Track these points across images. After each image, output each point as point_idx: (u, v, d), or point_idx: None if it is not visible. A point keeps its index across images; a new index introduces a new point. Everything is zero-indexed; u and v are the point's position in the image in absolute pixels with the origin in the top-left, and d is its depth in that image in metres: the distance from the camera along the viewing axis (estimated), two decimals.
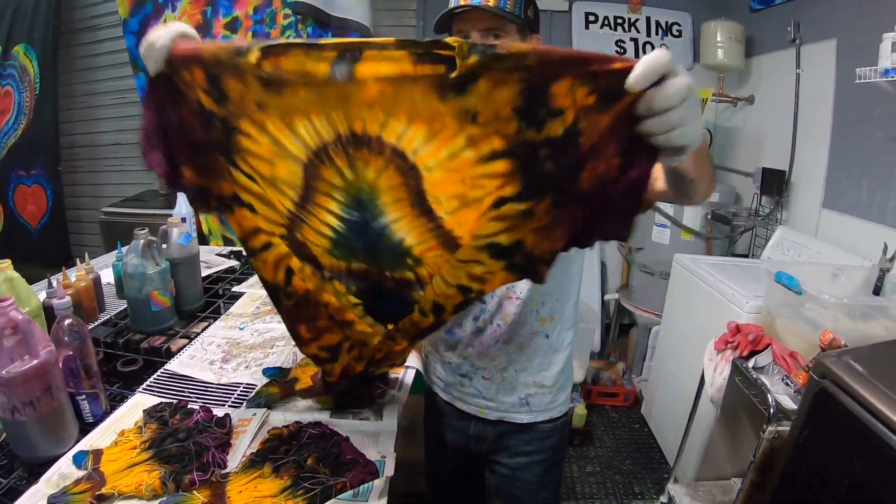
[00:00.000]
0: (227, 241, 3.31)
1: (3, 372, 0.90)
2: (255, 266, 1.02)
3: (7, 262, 1.21)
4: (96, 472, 0.94)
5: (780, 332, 1.91)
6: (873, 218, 2.29)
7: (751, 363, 1.85)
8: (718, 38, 3.11)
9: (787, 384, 1.74)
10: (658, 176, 0.89)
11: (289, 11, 3.18)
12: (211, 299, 1.79)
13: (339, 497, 0.89)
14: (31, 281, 1.31)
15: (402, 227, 0.87)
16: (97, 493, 0.89)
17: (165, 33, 0.82)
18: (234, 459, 1.00)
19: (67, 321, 1.04)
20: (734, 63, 3.17)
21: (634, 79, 0.62)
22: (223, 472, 0.96)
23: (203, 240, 3.05)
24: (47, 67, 3.60)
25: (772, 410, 1.70)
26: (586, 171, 0.72)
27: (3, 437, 1.03)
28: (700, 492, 2.29)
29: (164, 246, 1.56)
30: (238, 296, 1.84)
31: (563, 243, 0.82)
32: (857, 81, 2.00)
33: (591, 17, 3.61)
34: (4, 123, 3.70)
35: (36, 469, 0.97)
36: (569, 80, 0.66)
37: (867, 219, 2.33)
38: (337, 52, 0.71)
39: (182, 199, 1.88)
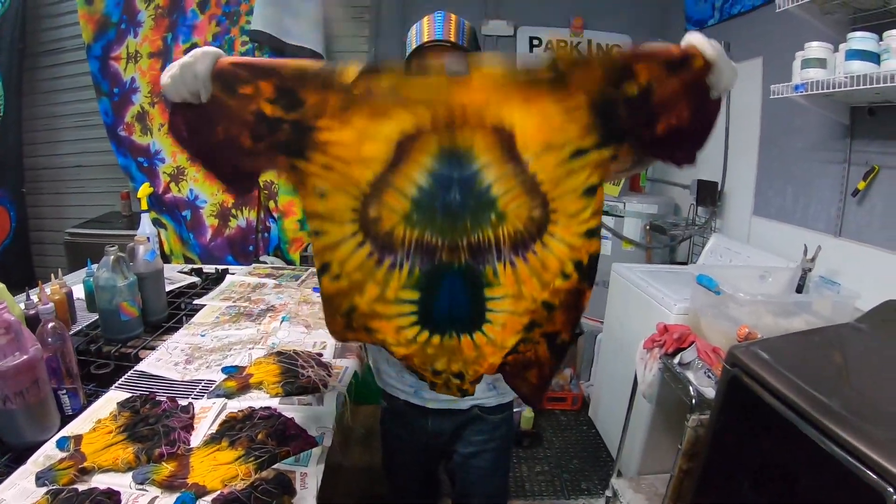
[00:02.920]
0: (188, 260, 3.51)
1: None
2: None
3: None
4: (78, 453, 1.14)
5: (704, 331, 2.13)
6: (797, 222, 2.58)
7: (676, 359, 2.08)
8: None
9: (709, 377, 1.95)
10: None
11: (246, 39, 3.43)
12: (174, 311, 2.00)
13: (283, 462, 1.12)
14: None
15: (492, 173, 1.03)
16: (79, 467, 1.09)
17: (204, 56, 0.97)
18: (197, 439, 1.22)
19: (51, 324, 1.26)
20: None
21: (711, 53, 0.98)
22: (187, 447, 1.17)
23: (165, 259, 3.26)
24: (12, 90, 3.75)
25: (693, 401, 1.92)
26: (661, 122, 1.02)
27: None
28: (643, 485, 2.51)
29: (131, 263, 1.77)
30: (199, 308, 2.06)
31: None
32: (772, 97, 2.27)
33: (535, 41, 3.93)
34: None
35: (22, 454, 1.16)
36: (645, 65, 0.97)
37: (792, 223, 2.61)
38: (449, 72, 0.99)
39: (145, 220, 2.08)
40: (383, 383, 1.55)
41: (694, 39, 0.99)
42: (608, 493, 2.61)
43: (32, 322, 1.34)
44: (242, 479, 1.06)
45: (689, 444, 1.96)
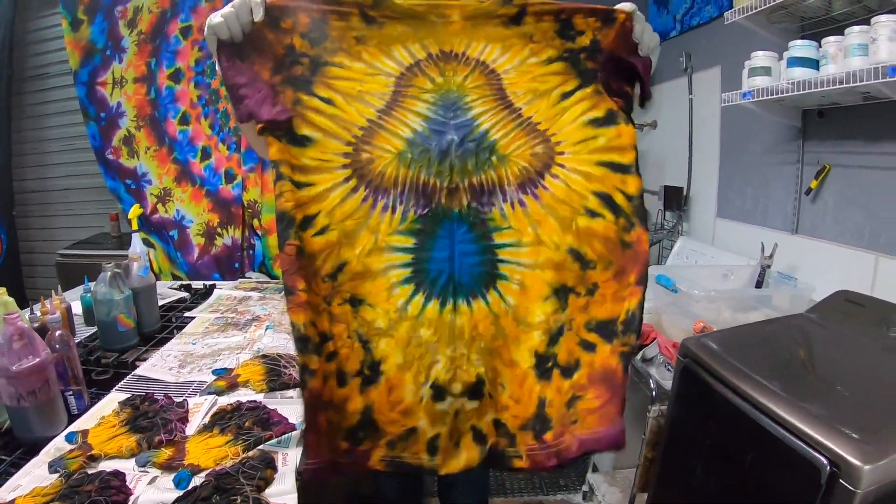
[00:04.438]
0: (176, 279, 3.68)
1: (14, 367, 1.30)
2: (277, 190, 1.09)
3: (2, 290, 1.61)
4: (85, 444, 1.33)
5: (666, 327, 2.32)
6: (757, 222, 2.77)
7: (639, 355, 2.25)
8: None
9: (668, 370, 2.12)
10: None
11: None
12: (166, 324, 2.20)
13: (267, 444, 1.31)
14: None
15: (488, 120, 1.15)
16: (88, 455, 1.28)
17: None
18: (191, 429, 1.42)
19: (58, 332, 1.46)
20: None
21: (629, 7, 1.15)
22: (183, 435, 1.37)
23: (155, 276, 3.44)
24: (1, 115, 3.92)
25: (654, 392, 2.08)
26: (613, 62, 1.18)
27: (6, 425, 1.41)
28: (618, 478, 2.68)
29: (126, 279, 1.96)
30: (189, 320, 2.26)
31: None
32: (723, 105, 2.47)
33: None
34: None
35: (33, 448, 1.34)
36: (581, 15, 1.16)
37: (752, 223, 2.80)
38: None
39: (136, 239, 2.27)
40: None
41: (619, 4, 1.18)
42: (584, 487, 2.78)
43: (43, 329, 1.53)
44: (231, 459, 1.26)
45: (652, 434, 2.10)
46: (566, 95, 1.17)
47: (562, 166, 1.15)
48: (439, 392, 1.14)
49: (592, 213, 1.15)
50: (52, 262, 3.92)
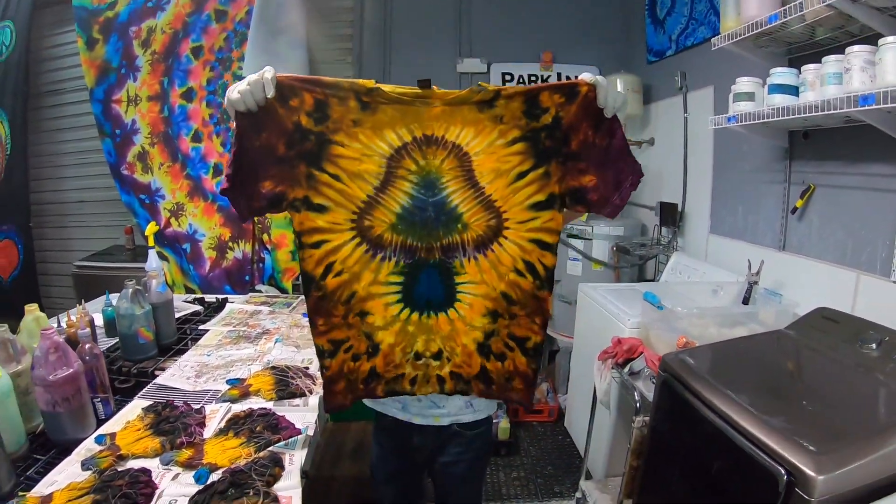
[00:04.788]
0: (189, 291, 3.88)
1: (50, 377, 1.50)
2: (300, 257, 1.44)
3: (35, 305, 1.82)
4: (114, 445, 1.52)
5: (653, 342, 2.43)
6: (747, 238, 2.93)
7: (626, 369, 2.40)
8: (620, 89, 3.71)
9: (653, 383, 2.21)
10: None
11: None
12: (182, 336, 2.41)
13: (276, 445, 1.51)
14: None
15: (457, 198, 1.41)
16: (117, 455, 1.47)
17: (268, 71, 1.28)
18: (208, 432, 1.61)
19: (88, 345, 1.66)
20: (634, 111, 3.89)
21: (591, 79, 1.32)
22: (201, 438, 1.56)
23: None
24: (17, 129, 4.11)
25: (638, 404, 2.23)
26: (573, 140, 1.38)
27: (40, 427, 1.61)
28: (609, 486, 2.81)
29: (146, 294, 2.17)
30: (204, 332, 2.47)
31: (584, 182, 1.41)
32: (711, 127, 2.63)
33: (508, 77, 4.39)
34: None
35: (66, 448, 1.53)
36: (547, 92, 1.35)
37: (743, 240, 2.96)
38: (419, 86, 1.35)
39: (153, 256, 2.47)
40: (373, 402, 1.77)
41: (581, 75, 1.37)
42: (578, 494, 2.93)
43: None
44: (244, 458, 1.45)
45: (637, 444, 2.24)
46: (521, 175, 1.41)
47: (506, 238, 1.46)
48: (418, 356, 1.55)
49: (519, 273, 1.49)
50: (67, 273, 4.15)
